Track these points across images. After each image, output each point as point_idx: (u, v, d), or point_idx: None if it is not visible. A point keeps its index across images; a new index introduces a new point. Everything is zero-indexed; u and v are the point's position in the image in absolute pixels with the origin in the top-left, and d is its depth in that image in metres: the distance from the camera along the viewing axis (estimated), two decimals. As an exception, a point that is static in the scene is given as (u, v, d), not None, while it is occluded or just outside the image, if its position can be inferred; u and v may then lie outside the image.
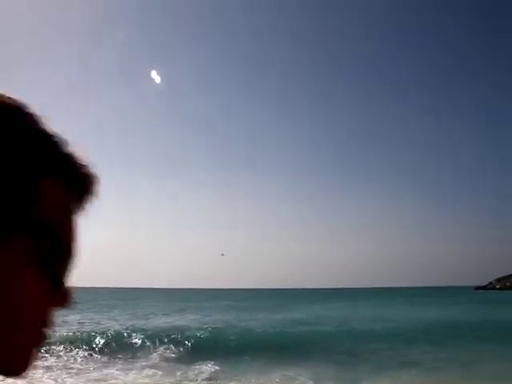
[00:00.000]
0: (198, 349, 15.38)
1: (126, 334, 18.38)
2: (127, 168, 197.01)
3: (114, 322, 25.17)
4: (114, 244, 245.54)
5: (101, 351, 15.31)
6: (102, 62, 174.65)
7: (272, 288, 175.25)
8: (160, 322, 26.25)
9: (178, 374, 12.56)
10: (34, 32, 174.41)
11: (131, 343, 16.35)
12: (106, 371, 12.84)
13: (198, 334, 18.36)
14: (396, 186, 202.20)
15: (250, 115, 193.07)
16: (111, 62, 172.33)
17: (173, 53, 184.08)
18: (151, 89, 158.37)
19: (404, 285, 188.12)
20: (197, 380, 11.83)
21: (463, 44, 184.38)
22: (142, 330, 19.95)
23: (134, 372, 12.85)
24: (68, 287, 0.49)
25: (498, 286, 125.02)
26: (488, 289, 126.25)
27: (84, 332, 19.25)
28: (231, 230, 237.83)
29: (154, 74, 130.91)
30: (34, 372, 12.49)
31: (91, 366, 13.62)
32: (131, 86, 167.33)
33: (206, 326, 22.90)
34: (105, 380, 11.80)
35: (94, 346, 15.84)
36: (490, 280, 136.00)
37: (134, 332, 19.35)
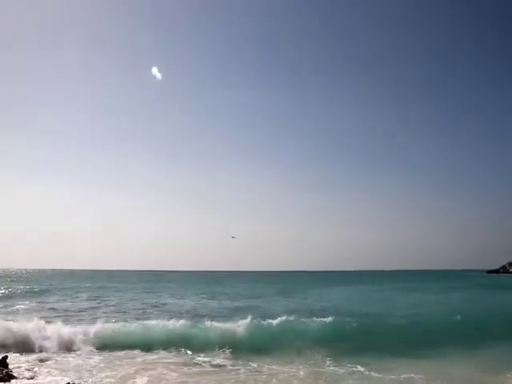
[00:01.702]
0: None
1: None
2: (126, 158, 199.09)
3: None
4: (130, 228, 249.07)
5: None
6: (104, 59, 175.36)
7: (284, 271, 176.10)
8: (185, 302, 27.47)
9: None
10: (38, 30, 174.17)
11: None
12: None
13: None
14: (409, 172, 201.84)
15: (256, 104, 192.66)
16: (114, 59, 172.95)
17: (176, 46, 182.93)
18: (153, 85, 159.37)
19: (416, 268, 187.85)
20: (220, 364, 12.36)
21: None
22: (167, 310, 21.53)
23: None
24: None
25: (511, 270, 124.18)
26: (501, 272, 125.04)
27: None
28: (242, 215, 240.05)
29: (154, 71, 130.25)
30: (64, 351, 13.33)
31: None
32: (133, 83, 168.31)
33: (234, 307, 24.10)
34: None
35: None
36: (499, 264, 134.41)
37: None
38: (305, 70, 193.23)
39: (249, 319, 16.14)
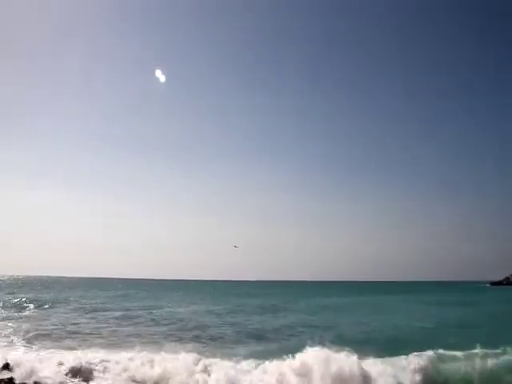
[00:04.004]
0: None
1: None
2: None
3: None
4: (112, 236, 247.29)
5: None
6: (105, 65, 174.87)
7: (287, 280, 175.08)
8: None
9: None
10: (47, 34, 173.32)
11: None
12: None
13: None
14: (411, 183, 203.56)
15: (263, 110, 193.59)
16: (114, 64, 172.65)
17: (181, 50, 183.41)
18: (157, 87, 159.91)
19: (416, 279, 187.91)
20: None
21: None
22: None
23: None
24: None
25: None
26: (504, 284, 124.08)
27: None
28: (245, 223, 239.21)
29: (158, 73, 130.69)
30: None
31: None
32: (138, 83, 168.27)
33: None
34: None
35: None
36: (500, 275, 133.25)
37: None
38: (306, 76, 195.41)
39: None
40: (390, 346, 15.71)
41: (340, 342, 16.23)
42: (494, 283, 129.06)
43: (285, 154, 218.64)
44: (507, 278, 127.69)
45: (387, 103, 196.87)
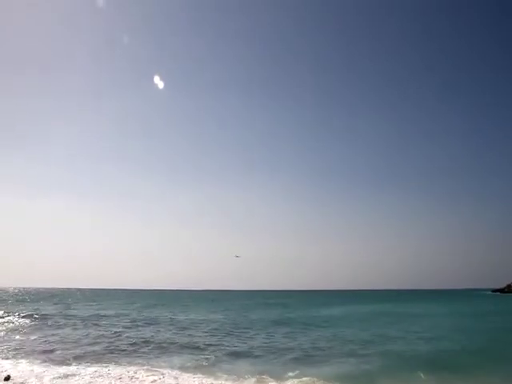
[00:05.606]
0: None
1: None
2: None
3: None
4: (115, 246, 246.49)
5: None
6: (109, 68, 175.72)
7: (285, 290, 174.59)
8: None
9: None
10: (46, 40, 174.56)
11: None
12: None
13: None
14: (411, 192, 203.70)
15: (263, 116, 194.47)
16: (118, 69, 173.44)
17: (176, 59, 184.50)
18: (155, 93, 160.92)
19: (416, 287, 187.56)
20: None
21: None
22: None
23: None
24: None
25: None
26: (506, 292, 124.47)
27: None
28: (246, 233, 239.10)
29: (156, 80, 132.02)
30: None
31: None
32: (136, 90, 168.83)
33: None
34: None
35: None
36: (502, 282, 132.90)
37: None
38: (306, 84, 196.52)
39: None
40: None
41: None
42: (495, 290, 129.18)
43: (284, 164, 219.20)
44: (509, 286, 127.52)
45: (387, 108, 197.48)
